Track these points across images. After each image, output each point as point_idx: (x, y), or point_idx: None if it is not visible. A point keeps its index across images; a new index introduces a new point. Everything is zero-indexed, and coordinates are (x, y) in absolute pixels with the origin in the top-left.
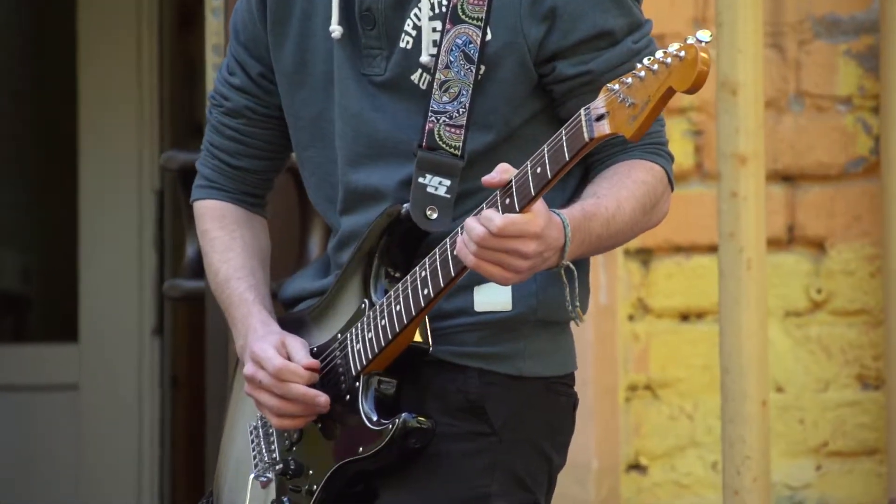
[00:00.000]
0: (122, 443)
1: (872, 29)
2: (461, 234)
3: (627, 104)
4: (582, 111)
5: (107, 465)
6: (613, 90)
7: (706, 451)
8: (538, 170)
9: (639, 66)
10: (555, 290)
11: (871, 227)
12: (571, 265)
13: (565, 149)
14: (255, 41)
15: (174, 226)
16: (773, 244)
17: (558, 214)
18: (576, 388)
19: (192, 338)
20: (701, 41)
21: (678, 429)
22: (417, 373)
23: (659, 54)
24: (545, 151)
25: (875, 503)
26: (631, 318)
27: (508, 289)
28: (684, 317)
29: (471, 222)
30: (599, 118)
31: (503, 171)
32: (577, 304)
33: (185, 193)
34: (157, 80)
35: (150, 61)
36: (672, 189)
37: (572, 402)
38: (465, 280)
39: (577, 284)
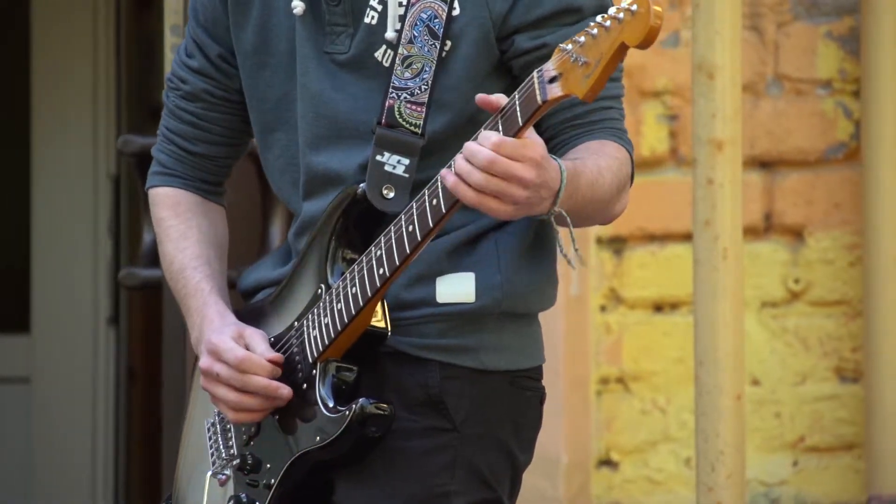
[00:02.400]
0: (76, 437)
1: (853, 10)
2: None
3: (580, 63)
4: (535, 73)
5: (60, 460)
6: (566, 50)
7: (679, 446)
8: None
9: (592, 23)
10: (520, 282)
11: (851, 215)
12: (563, 212)
13: (518, 113)
14: (215, 22)
15: (130, 212)
16: (750, 233)
17: (554, 158)
18: (546, 381)
19: (149, 328)
20: None
21: (651, 423)
22: (377, 365)
23: (611, 10)
24: (498, 119)
25: (853, 500)
26: (603, 308)
27: (472, 280)
28: (658, 308)
29: (471, 146)
30: (552, 80)
31: (499, 98)
32: (577, 247)
33: (142, 179)
34: (113, 61)
35: (107, 41)
36: (632, 182)
37: (539, 396)
38: (427, 270)
39: (571, 230)
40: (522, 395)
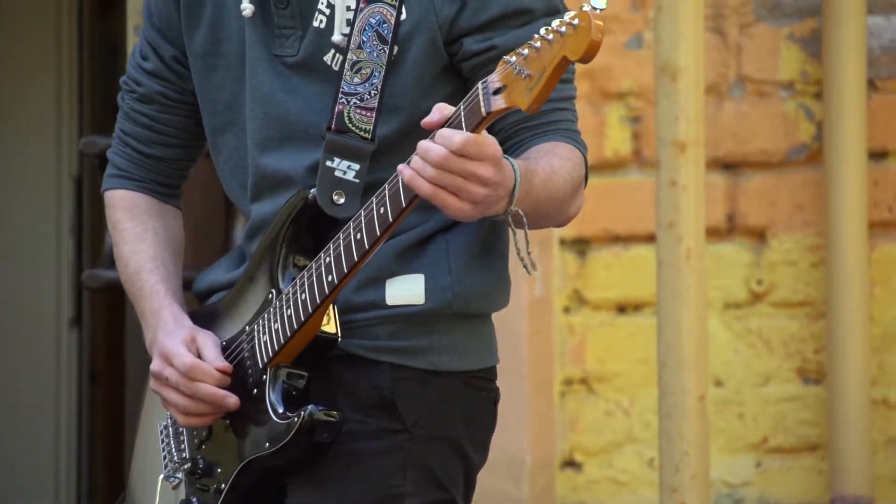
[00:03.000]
0: (39, 439)
1: (815, 12)
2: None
3: (524, 76)
4: (479, 84)
5: (22, 462)
6: (510, 62)
7: (643, 447)
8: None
9: (535, 35)
10: (471, 283)
11: (813, 216)
12: (520, 211)
13: (463, 124)
14: (169, 23)
15: (93, 213)
16: (713, 234)
17: (507, 158)
18: (510, 382)
19: (112, 329)
20: (595, 8)
21: (615, 424)
22: (328, 368)
23: (555, 23)
24: (459, 112)
25: (816, 501)
26: (567, 310)
27: (421, 282)
28: (621, 309)
29: (425, 144)
30: (496, 91)
31: (442, 109)
32: (530, 251)
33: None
34: (76, 62)
35: (70, 41)
36: (586, 183)
37: (493, 397)
38: (377, 273)
39: (526, 231)
40: (476, 395)
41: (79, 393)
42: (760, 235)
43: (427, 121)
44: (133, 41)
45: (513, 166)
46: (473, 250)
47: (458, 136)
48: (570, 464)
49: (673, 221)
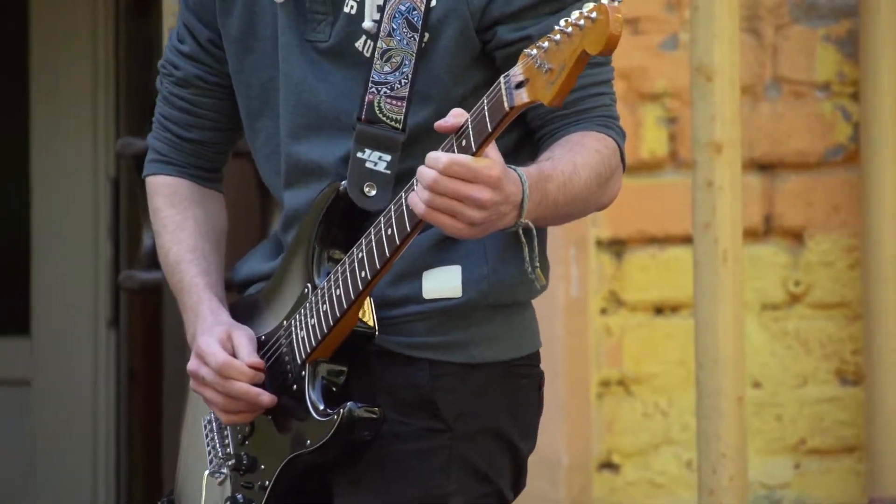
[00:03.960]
0: (77, 440)
1: (852, 13)
2: (407, 194)
3: (545, 70)
4: (501, 79)
5: (61, 463)
6: (531, 55)
7: (681, 448)
8: (463, 142)
9: (556, 28)
10: (507, 272)
11: (850, 217)
12: (530, 224)
13: (487, 119)
14: (204, 6)
15: (130, 214)
16: (750, 235)
17: (514, 169)
18: (546, 383)
19: (149, 330)
20: (614, 1)
21: (652, 426)
22: (366, 366)
23: (574, 16)
24: (468, 123)
25: (854, 502)
26: (603, 311)
27: (458, 274)
28: (658, 310)
29: (420, 167)
30: (519, 85)
31: (457, 116)
32: (537, 265)
33: (142, 181)
34: (112, 63)
35: (106, 43)
36: (624, 167)
37: (536, 381)
38: (412, 265)
39: (535, 244)
40: (518, 383)
41: (117, 393)
42: (797, 236)
43: (439, 124)
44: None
45: (521, 178)
46: (509, 238)
47: (444, 158)
48: (608, 465)
49: (709, 223)
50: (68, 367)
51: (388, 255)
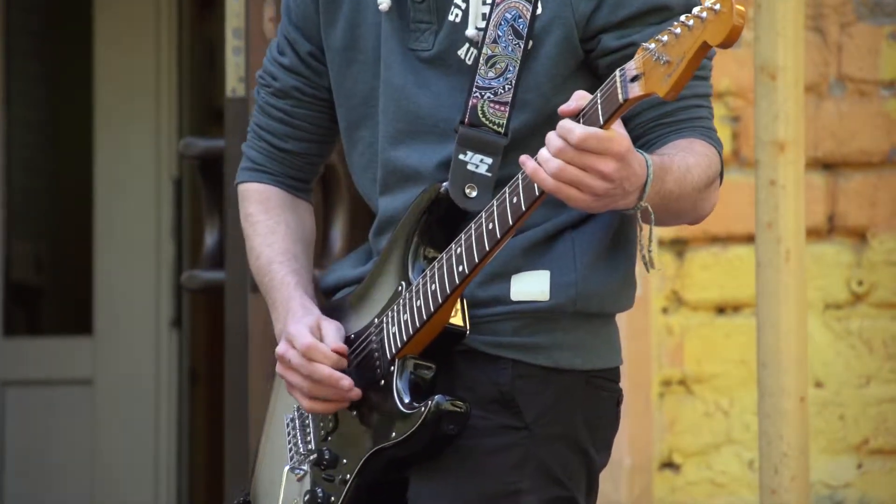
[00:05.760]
0: (139, 439)
1: None
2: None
3: (662, 62)
4: (617, 72)
5: (123, 462)
6: (649, 49)
7: (742, 448)
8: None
9: (675, 22)
10: (596, 281)
11: None
12: (650, 207)
13: (600, 112)
14: (307, 20)
15: (193, 215)
16: (813, 234)
17: (641, 153)
18: None
19: (212, 330)
20: None
21: (713, 425)
22: (449, 362)
23: (696, 9)
24: (580, 119)
25: None
26: (665, 310)
27: (547, 278)
28: (720, 310)
29: (550, 135)
30: (634, 79)
31: (579, 99)
32: (651, 249)
33: (204, 181)
34: (175, 65)
35: (169, 45)
36: (721, 180)
37: (615, 397)
38: (502, 268)
39: (651, 230)
40: (598, 395)
41: (179, 393)
42: (861, 236)
43: (563, 108)
44: (231, 43)
45: (647, 161)
46: (600, 249)
47: (578, 130)
48: (669, 465)
49: (772, 222)
50: (130, 366)
51: (487, 248)
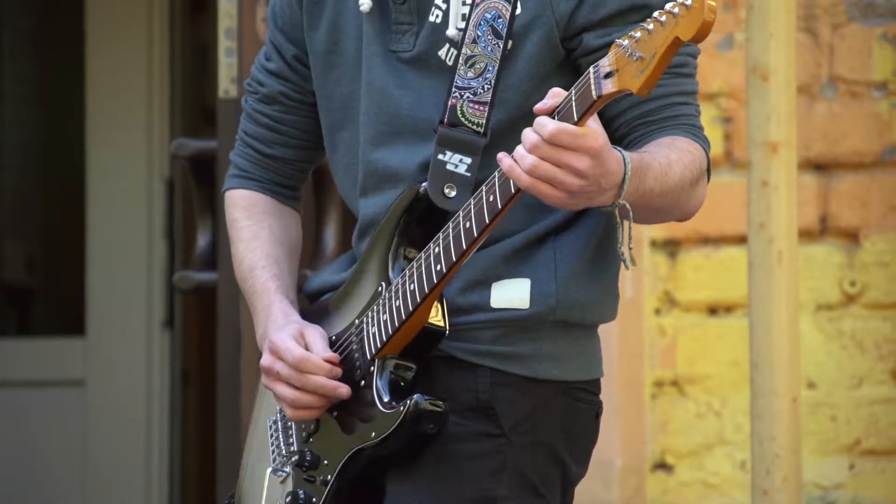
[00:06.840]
0: (131, 440)
1: None
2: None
3: (635, 58)
4: (591, 69)
5: (114, 463)
6: (622, 46)
7: (735, 449)
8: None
9: (648, 19)
10: (577, 291)
11: None
12: (628, 205)
13: (574, 109)
14: (292, 24)
15: (185, 215)
16: (805, 235)
17: (618, 150)
18: (601, 384)
19: (204, 331)
20: None
21: (706, 426)
22: (429, 369)
23: (668, 5)
24: (555, 116)
25: None
26: (657, 311)
27: (527, 286)
28: (712, 310)
29: (526, 132)
30: (607, 76)
31: (555, 96)
32: (631, 247)
33: (196, 182)
34: (167, 65)
35: (161, 45)
36: (709, 177)
37: (594, 410)
38: (483, 275)
39: (629, 228)
40: (576, 406)
41: (171, 394)
42: (853, 237)
43: (539, 106)
44: (223, 44)
45: (624, 159)
46: (583, 257)
47: (550, 125)
48: (661, 466)
49: (764, 222)
50: (123, 367)
51: (464, 247)
